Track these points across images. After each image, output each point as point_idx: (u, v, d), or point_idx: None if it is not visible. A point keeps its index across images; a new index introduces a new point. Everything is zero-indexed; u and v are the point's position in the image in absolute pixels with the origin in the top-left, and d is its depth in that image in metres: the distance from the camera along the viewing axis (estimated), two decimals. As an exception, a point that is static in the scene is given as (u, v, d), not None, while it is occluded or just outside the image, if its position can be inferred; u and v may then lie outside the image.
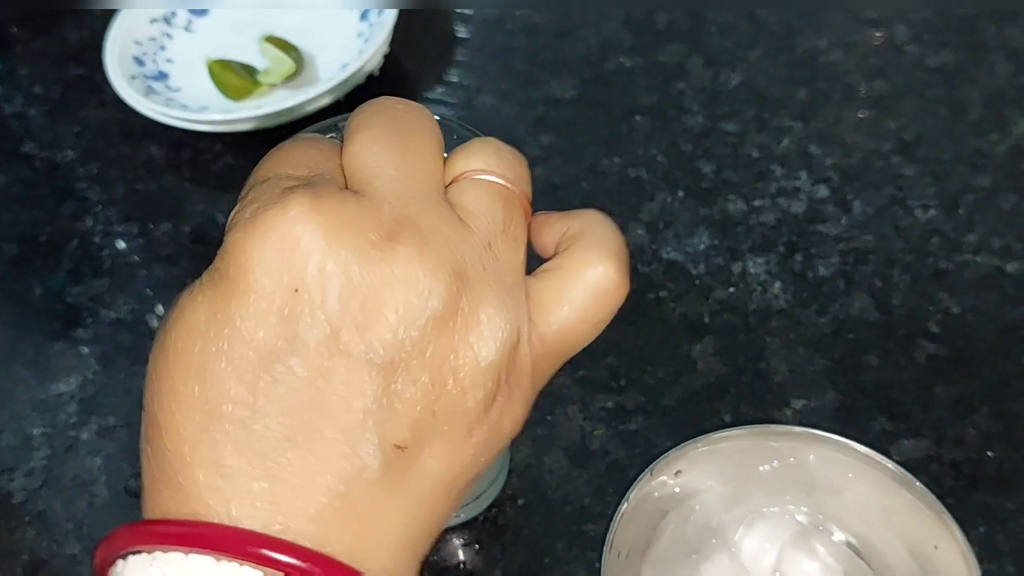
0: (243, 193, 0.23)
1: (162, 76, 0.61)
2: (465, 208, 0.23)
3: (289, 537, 0.20)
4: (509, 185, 0.24)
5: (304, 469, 0.20)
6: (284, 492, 0.20)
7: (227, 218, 0.23)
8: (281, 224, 0.21)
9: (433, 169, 0.24)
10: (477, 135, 0.30)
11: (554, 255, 0.25)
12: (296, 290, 0.20)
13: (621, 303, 0.25)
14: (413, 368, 0.21)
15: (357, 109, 0.25)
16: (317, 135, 0.26)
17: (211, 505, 0.20)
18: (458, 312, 0.21)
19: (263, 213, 0.21)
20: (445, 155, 0.25)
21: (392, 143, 0.23)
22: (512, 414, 0.23)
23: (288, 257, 0.21)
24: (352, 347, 0.21)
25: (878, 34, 0.61)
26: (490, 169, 0.24)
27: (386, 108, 0.24)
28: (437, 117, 0.33)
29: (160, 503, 0.21)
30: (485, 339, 0.22)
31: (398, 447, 0.21)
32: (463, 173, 0.24)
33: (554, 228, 0.26)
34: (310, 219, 0.21)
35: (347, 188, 0.23)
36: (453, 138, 0.27)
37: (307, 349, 0.21)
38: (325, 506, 0.20)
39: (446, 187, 0.24)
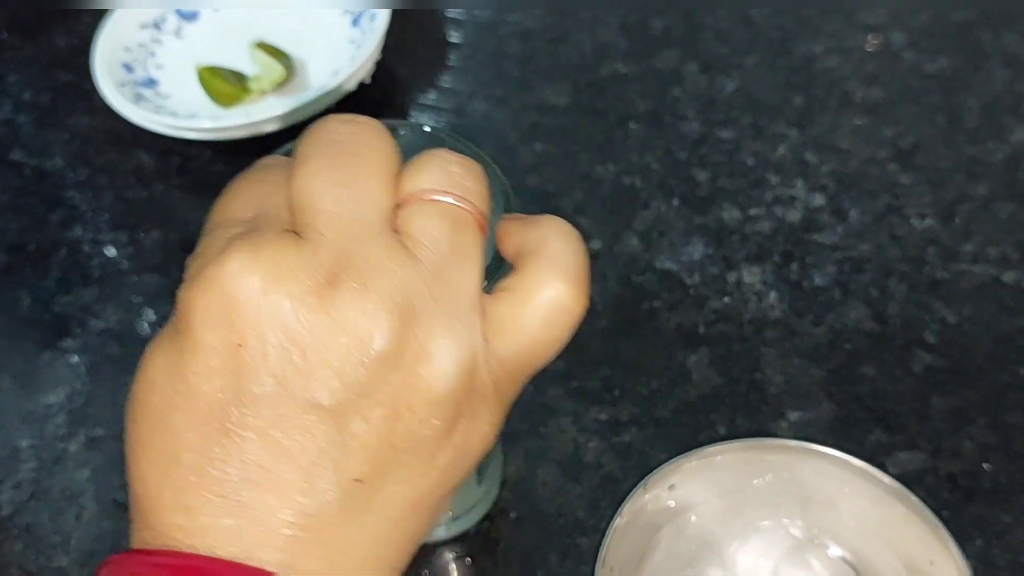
0: (199, 240, 0.24)
1: (151, 83, 0.60)
2: (411, 236, 0.23)
3: (255, 565, 0.21)
4: (458, 203, 0.24)
5: (264, 507, 0.21)
6: (248, 527, 0.21)
7: None
8: (220, 280, 0.21)
9: (378, 197, 0.23)
10: (468, 146, 0.30)
11: (513, 269, 0.25)
12: (240, 345, 0.21)
13: (579, 322, 0.25)
14: (364, 407, 0.21)
15: (302, 135, 0.24)
16: (276, 160, 0.26)
17: (180, 540, 0.21)
18: (406, 347, 0.22)
19: (204, 270, 0.21)
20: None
21: (333, 175, 0.23)
22: (480, 432, 0.23)
23: (229, 313, 0.21)
24: (299, 394, 0.21)
25: (875, 40, 0.61)
26: (438, 188, 0.24)
27: (329, 134, 0.24)
28: (427, 129, 0.33)
29: (140, 537, 0.22)
30: (436, 370, 0.22)
31: (357, 481, 0.21)
32: (411, 194, 0.24)
33: (514, 238, 0.25)
34: (248, 272, 0.21)
35: (292, 226, 0.23)
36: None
37: (256, 400, 0.21)
38: (289, 538, 0.21)
39: (398, 207, 0.24)
